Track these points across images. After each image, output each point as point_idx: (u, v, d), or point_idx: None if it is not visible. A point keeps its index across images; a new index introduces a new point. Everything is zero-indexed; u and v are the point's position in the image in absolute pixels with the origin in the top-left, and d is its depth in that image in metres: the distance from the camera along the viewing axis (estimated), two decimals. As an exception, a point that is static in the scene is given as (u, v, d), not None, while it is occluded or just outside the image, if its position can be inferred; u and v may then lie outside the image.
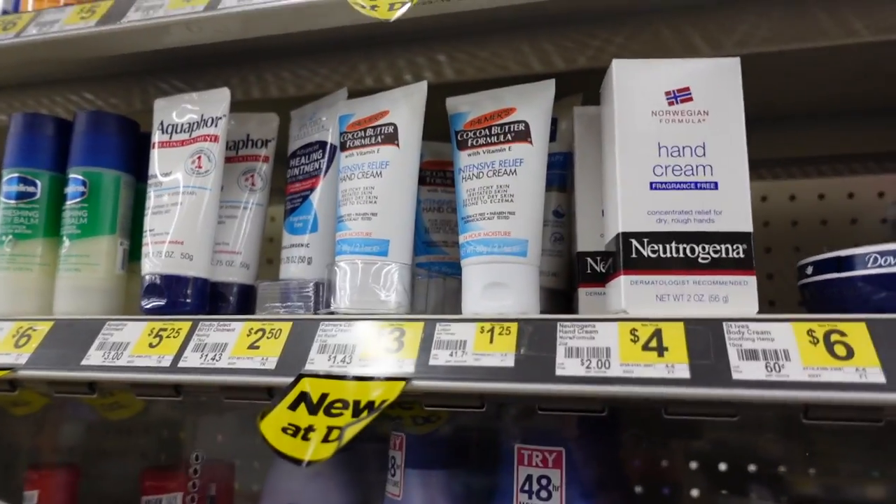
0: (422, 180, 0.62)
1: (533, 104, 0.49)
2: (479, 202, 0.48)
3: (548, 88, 0.49)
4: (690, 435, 0.64)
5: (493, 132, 0.49)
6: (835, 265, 0.42)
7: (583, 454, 0.46)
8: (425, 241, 0.61)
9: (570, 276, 0.56)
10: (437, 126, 0.53)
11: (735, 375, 0.36)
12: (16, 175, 0.55)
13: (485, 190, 0.48)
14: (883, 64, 0.56)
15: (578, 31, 0.57)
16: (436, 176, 0.62)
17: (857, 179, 0.76)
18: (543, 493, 0.46)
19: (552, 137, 0.59)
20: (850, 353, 0.36)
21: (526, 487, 0.46)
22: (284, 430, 0.37)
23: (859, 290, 0.41)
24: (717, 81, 0.43)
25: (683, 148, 0.43)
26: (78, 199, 0.54)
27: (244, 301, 0.57)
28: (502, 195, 0.47)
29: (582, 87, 0.57)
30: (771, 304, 0.72)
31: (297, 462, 0.34)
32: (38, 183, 0.55)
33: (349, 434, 0.35)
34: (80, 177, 0.54)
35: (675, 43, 0.54)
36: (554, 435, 0.47)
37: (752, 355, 0.37)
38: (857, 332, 0.37)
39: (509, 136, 0.48)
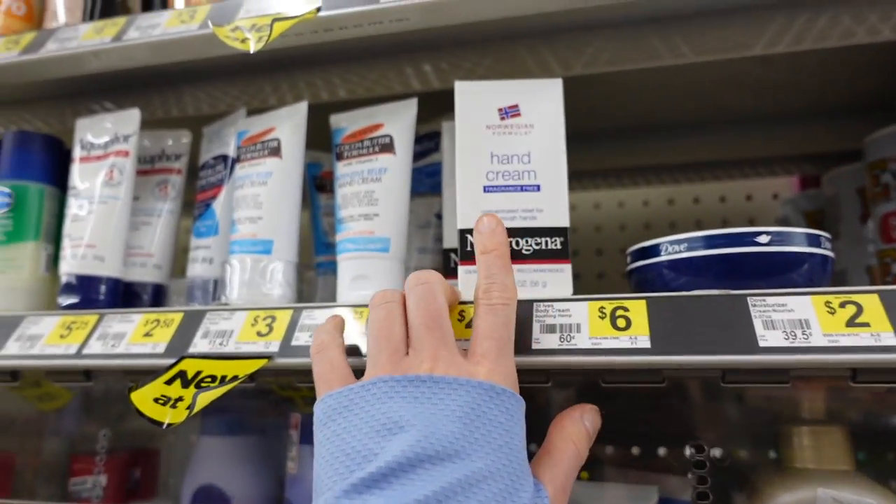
0: (321, 188, 0.69)
1: (398, 120, 0.56)
2: (349, 206, 0.55)
3: (411, 106, 0.56)
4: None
5: (364, 145, 0.56)
6: (641, 254, 0.50)
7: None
8: (325, 243, 0.68)
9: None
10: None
11: (534, 346, 0.43)
12: (-53, 188, 0.62)
13: (354, 195, 0.55)
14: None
15: (453, 55, 0.64)
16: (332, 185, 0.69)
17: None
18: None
19: (436, 148, 0.67)
20: (629, 325, 0.43)
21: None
22: (156, 399, 0.44)
23: (663, 274, 0.48)
24: (542, 99, 0.51)
25: (512, 156, 0.50)
26: (4, 210, 0.60)
27: (159, 298, 0.63)
28: (368, 199, 0.54)
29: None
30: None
31: (159, 425, 0.41)
32: (-32, 195, 0.62)
33: (200, 402, 0.42)
34: (7, 189, 0.61)
35: (534, 65, 0.62)
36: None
37: (551, 329, 0.44)
38: (637, 307, 0.44)
39: (376, 149, 0.55)
